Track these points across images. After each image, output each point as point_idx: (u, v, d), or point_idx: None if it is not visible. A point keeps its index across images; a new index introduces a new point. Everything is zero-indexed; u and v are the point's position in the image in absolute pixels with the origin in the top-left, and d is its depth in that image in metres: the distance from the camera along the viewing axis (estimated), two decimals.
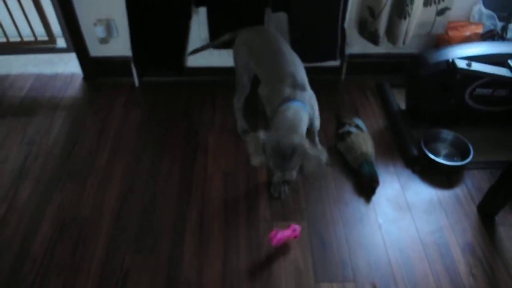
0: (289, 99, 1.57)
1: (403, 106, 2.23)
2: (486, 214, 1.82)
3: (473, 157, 1.93)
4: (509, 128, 2.14)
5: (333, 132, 2.08)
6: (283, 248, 1.64)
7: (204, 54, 2.23)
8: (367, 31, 2.20)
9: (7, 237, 1.68)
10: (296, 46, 2.17)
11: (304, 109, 1.58)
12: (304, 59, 2.22)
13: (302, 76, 1.68)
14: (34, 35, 2.49)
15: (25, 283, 1.53)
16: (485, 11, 2.22)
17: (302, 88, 1.63)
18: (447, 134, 2.04)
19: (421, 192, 1.88)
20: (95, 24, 2.23)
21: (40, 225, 1.72)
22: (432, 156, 1.93)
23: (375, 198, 1.85)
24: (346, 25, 2.18)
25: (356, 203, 1.82)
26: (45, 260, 1.61)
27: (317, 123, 1.75)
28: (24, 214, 1.77)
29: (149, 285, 1.53)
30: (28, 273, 1.56)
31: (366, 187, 1.86)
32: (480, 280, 1.61)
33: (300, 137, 1.49)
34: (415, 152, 1.96)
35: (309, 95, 1.67)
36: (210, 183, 1.88)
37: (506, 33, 2.20)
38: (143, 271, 1.57)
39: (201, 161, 1.98)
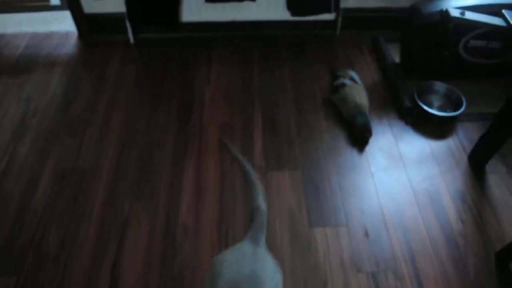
0: None
1: (398, 60, 2.23)
2: (476, 163, 1.85)
3: (465, 108, 1.95)
4: (502, 81, 2.15)
5: (328, 84, 2.10)
6: (278, 195, 1.69)
7: (199, 9, 2.22)
8: None
9: (8, 189, 1.73)
10: None
11: None
12: (299, 12, 2.23)
13: None
14: None
15: (27, 233, 1.59)
16: None
17: None
18: (440, 86, 2.06)
19: (414, 143, 1.92)
20: None
21: (40, 177, 1.76)
22: (425, 107, 1.95)
23: (368, 148, 1.88)
24: None
25: (349, 152, 1.86)
26: (46, 210, 1.65)
27: None
28: (25, 166, 1.80)
29: (148, 230, 1.58)
30: (30, 223, 1.61)
31: (359, 138, 1.89)
32: (468, 225, 1.66)
33: None
34: (408, 103, 1.98)
35: None
36: (206, 134, 1.91)
37: None
38: (142, 218, 1.62)
39: (197, 114, 2.00)
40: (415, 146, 1.91)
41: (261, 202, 1.14)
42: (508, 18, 1.63)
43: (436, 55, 2.06)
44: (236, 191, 1.71)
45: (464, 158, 1.88)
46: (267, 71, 2.22)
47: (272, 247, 1.54)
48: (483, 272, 1.55)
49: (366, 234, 1.61)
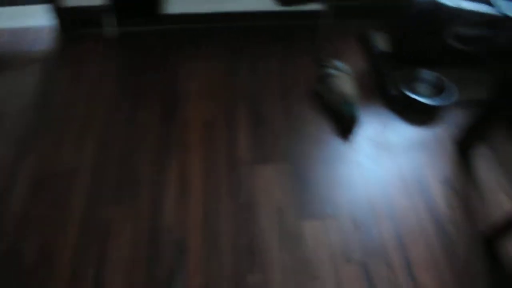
0: None
1: (386, 50, 2.20)
2: (464, 149, 1.85)
3: (453, 96, 1.94)
4: (490, 68, 2.13)
5: (315, 75, 2.06)
6: (264, 189, 1.66)
7: (183, 0, 2.15)
8: None
9: None
10: None
11: None
12: (287, 2, 2.18)
13: None
14: None
15: (4, 242, 1.50)
16: None
17: None
18: (428, 74, 2.04)
19: (402, 131, 1.90)
20: None
21: (16, 181, 1.68)
22: (413, 96, 1.93)
23: (355, 138, 1.86)
24: None
25: (336, 143, 1.84)
26: (23, 216, 1.57)
27: None
28: (0, 170, 1.73)
29: (132, 234, 1.53)
30: (7, 232, 1.53)
31: (347, 128, 1.86)
32: (458, 211, 1.66)
33: None
34: (395, 92, 1.96)
35: None
36: (190, 131, 1.87)
37: None
38: (125, 221, 1.56)
39: (180, 110, 1.95)
40: (403, 134, 1.89)
41: None
42: (498, 7, 1.62)
43: (426, 44, 2.03)
44: (221, 189, 1.66)
45: (452, 145, 1.87)
46: (253, 64, 2.17)
47: (260, 243, 1.52)
48: (473, 257, 1.55)
49: (356, 225, 1.59)
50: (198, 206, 1.61)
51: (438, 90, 2.01)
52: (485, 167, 1.81)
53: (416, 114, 1.97)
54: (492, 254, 1.57)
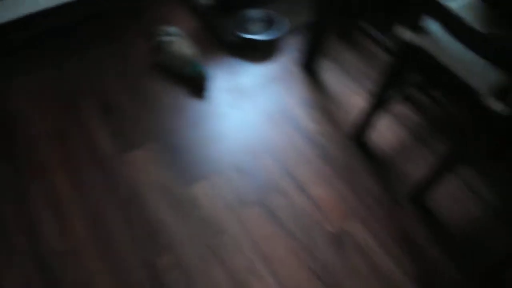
0: None
1: (209, 2, 2.20)
2: (309, 69, 1.97)
3: (285, 26, 2.04)
4: None
5: (151, 49, 1.99)
6: (142, 174, 1.59)
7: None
8: None
9: None
10: None
11: None
12: None
13: None
14: None
15: None
16: None
17: None
18: (257, 13, 2.09)
19: (251, 72, 1.95)
20: None
21: None
22: (248, 36, 1.98)
23: (211, 93, 1.86)
24: None
25: (196, 104, 1.82)
26: None
27: None
28: None
29: (24, 277, 1.35)
30: None
31: (199, 87, 1.85)
32: (322, 122, 1.79)
33: None
34: (232, 37, 1.99)
35: None
36: (39, 148, 1.66)
37: None
38: (9, 269, 1.37)
39: (22, 131, 1.72)
40: (253, 75, 1.94)
41: None
42: None
43: None
44: (97, 191, 1.54)
45: (299, 69, 1.97)
46: (85, 58, 1.98)
47: (157, 226, 1.47)
48: (350, 158, 1.69)
49: (240, 171, 1.62)
50: (79, 218, 1.48)
51: (270, 24, 2.09)
52: (333, 77, 1.96)
53: (257, 53, 2.03)
54: (363, 150, 1.73)
